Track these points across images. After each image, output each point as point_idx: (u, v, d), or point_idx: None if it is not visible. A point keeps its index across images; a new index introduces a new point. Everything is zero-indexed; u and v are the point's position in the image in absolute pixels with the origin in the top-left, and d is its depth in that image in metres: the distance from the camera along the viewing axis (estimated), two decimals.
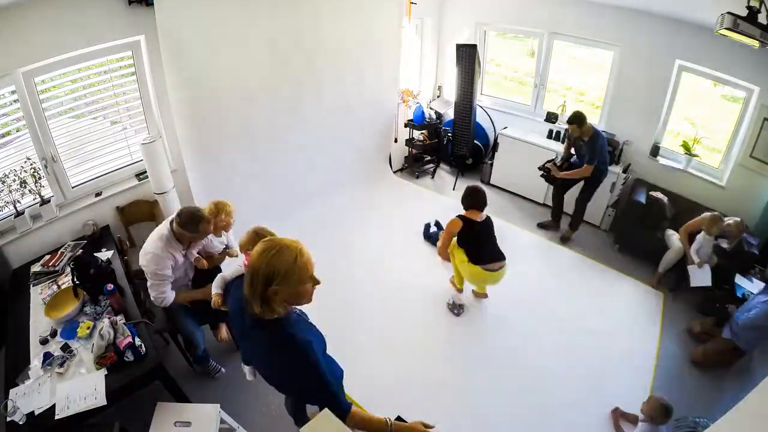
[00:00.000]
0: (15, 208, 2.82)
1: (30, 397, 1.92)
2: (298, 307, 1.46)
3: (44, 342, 2.19)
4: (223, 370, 2.79)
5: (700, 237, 3.31)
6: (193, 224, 2.29)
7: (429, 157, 5.59)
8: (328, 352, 1.60)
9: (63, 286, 2.55)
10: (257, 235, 2.20)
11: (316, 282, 1.35)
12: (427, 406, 2.60)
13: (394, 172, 5.46)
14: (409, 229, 4.25)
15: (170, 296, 2.40)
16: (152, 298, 2.40)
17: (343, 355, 2.88)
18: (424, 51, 5.47)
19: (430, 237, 4.08)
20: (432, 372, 2.84)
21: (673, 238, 3.61)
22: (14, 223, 2.84)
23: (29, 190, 2.82)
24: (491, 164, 5.13)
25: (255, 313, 1.26)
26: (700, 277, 3.24)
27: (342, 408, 1.42)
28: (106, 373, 2.01)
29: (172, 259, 2.35)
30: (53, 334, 2.23)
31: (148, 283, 2.37)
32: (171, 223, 2.36)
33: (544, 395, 2.70)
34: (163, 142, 3.31)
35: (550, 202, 4.79)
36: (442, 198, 4.97)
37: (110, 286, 2.33)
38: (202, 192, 3.55)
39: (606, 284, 3.70)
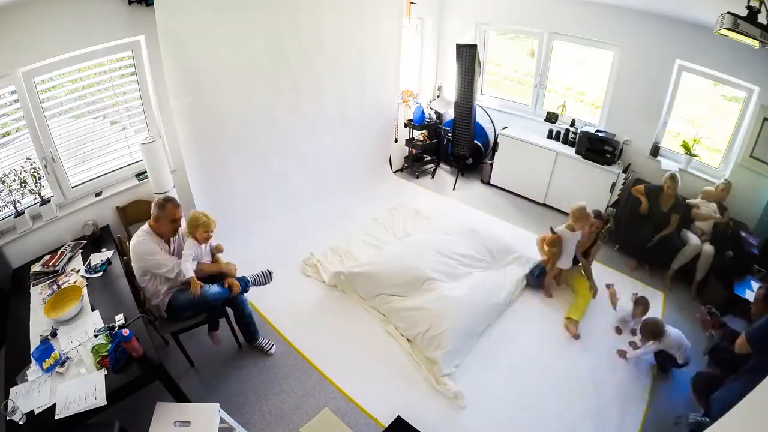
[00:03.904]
0: (15, 208, 2.82)
1: (30, 396, 1.92)
2: None
3: (44, 342, 2.19)
4: (275, 346, 2.95)
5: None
6: (158, 207, 2.48)
7: (429, 157, 5.59)
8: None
9: (63, 286, 2.55)
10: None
11: None
12: (427, 406, 2.60)
13: (394, 172, 5.46)
14: None
15: (188, 267, 2.51)
16: (173, 277, 2.53)
17: (343, 353, 2.91)
18: (424, 51, 5.47)
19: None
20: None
21: (690, 234, 3.60)
22: (14, 223, 2.84)
23: (29, 190, 2.82)
24: (491, 164, 5.13)
25: None
26: None
27: None
28: (106, 373, 2.01)
29: (157, 245, 2.51)
30: (53, 333, 2.24)
31: (161, 272, 2.49)
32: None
33: (543, 394, 2.70)
34: (163, 142, 3.31)
35: (550, 203, 4.81)
36: (442, 198, 4.97)
37: (126, 332, 2.09)
38: (202, 192, 3.55)
39: (606, 284, 3.70)
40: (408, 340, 2.98)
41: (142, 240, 2.47)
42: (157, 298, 2.56)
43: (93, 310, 2.41)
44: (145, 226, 2.54)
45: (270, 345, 2.94)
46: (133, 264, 2.52)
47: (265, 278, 2.91)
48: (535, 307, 3.39)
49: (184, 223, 2.68)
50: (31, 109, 2.76)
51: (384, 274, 3.29)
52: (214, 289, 2.61)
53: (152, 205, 2.52)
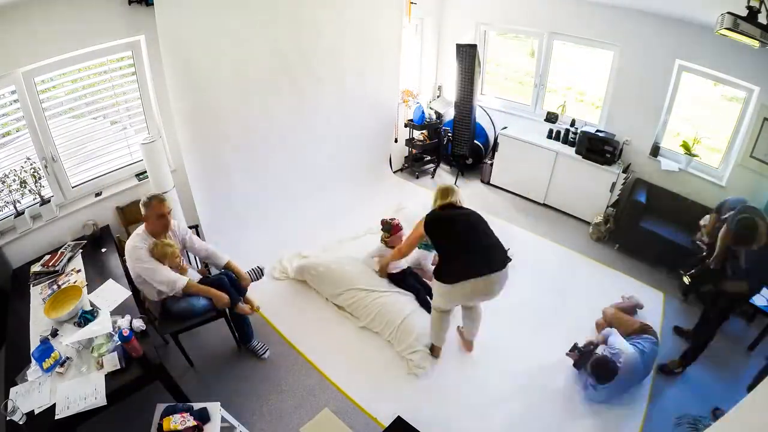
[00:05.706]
0: (15, 208, 2.82)
1: (30, 396, 1.92)
2: None
3: (44, 342, 2.18)
4: (269, 352, 2.92)
5: None
6: (144, 206, 2.53)
7: (429, 157, 5.59)
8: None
9: (63, 286, 2.55)
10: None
11: None
12: (427, 406, 2.60)
13: (394, 172, 5.46)
14: (409, 229, 4.23)
15: (179, 280, 2.50)
16: (167, 291, 2.51)
17: (343, 353, 2.91)
18: (424, 51, 5.47)
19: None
20: (430, 370, 2.84)
21: None
22: (14, 223, 2.84)
23: (29, 190, 2.82)
24: (491, 164, 5.14)
25: None
26: None
27: None
28: (106, 373, 2.01)
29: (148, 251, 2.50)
30: (53, 333, 2.24)
31: (154, 282, 2.48)
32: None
33: (542, 394, 2.71)
34: (163, 142, 3.31)
35: (550, 203, 4.81)
36: None
37: (126, 332, 2.09)
38: (202, 192, 3.55)
39: (606, 284, 3.70)
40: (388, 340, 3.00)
41: (138, 246, 2.47)
42: (150, 302, 2.61)
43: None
44: (140, 229, 2.57)
45: (264, 349, 2.91)
46: (128, 265, 2.53)
47: (257, 275, 2.93)
48: (530, 304, 3.39)
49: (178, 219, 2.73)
50: (31, 109, 2.76)
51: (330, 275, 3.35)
52: (202, 302, 2.64)
53: (140, 206, 2.56)
